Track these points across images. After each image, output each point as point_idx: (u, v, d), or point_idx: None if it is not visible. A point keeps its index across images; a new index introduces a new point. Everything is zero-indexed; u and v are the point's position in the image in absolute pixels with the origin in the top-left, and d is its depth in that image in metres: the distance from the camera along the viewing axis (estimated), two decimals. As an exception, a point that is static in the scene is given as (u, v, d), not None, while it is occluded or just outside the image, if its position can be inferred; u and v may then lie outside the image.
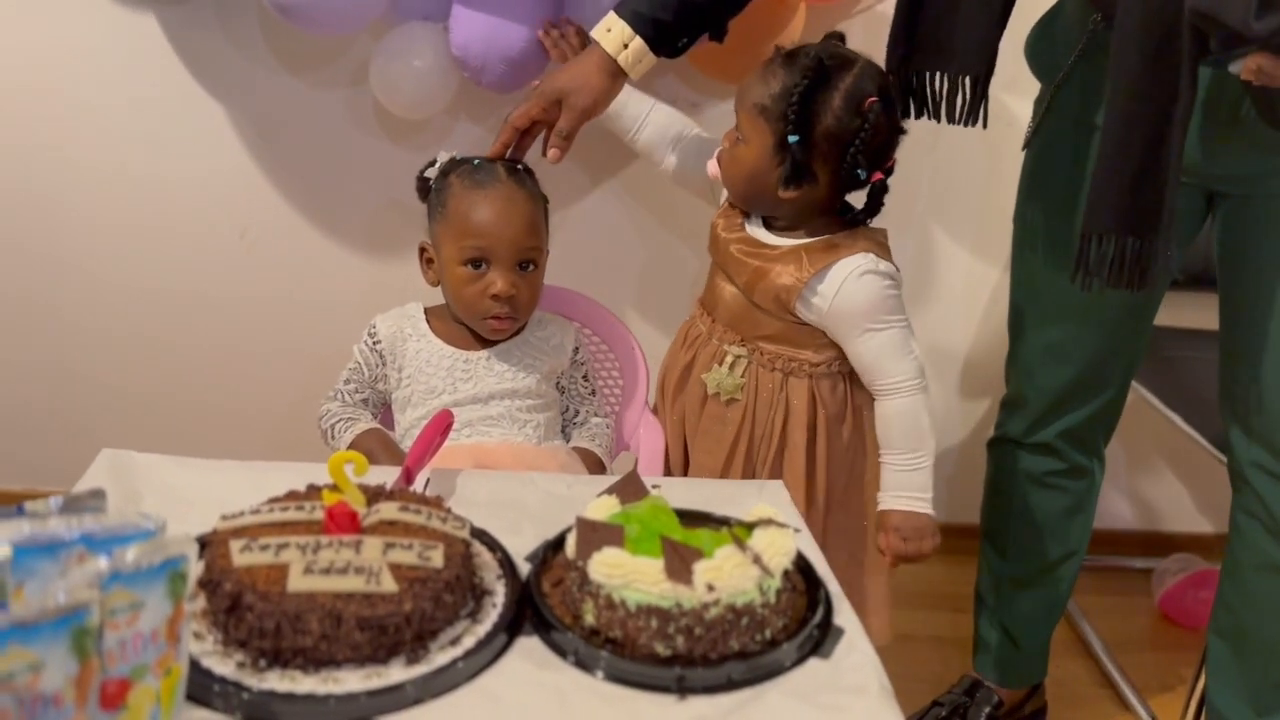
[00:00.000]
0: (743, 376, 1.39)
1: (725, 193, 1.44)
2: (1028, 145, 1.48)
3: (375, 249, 2.00)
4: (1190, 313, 1.79)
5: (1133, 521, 2.35)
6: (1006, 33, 1.39)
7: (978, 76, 1.36)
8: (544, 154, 1.38)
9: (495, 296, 1.36)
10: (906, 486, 1.35)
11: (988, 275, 2.10)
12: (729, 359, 1.40)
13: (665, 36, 1.33)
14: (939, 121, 1.39)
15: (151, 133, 1.91)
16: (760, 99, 1.28)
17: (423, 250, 1.44)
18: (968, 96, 1.38)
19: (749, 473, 1.43)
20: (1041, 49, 1.45)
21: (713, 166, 1.39)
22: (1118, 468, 2.27)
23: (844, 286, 1.31)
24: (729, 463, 1.43)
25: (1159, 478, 2.34)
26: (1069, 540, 1.66)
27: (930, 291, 2.11)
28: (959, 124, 1.39)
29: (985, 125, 1.39)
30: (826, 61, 1.26)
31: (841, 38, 1.33)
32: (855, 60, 1.29)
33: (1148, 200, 1.21)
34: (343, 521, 0.90)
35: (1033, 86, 1.49)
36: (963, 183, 2.03)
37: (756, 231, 1.39)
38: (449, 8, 1.52)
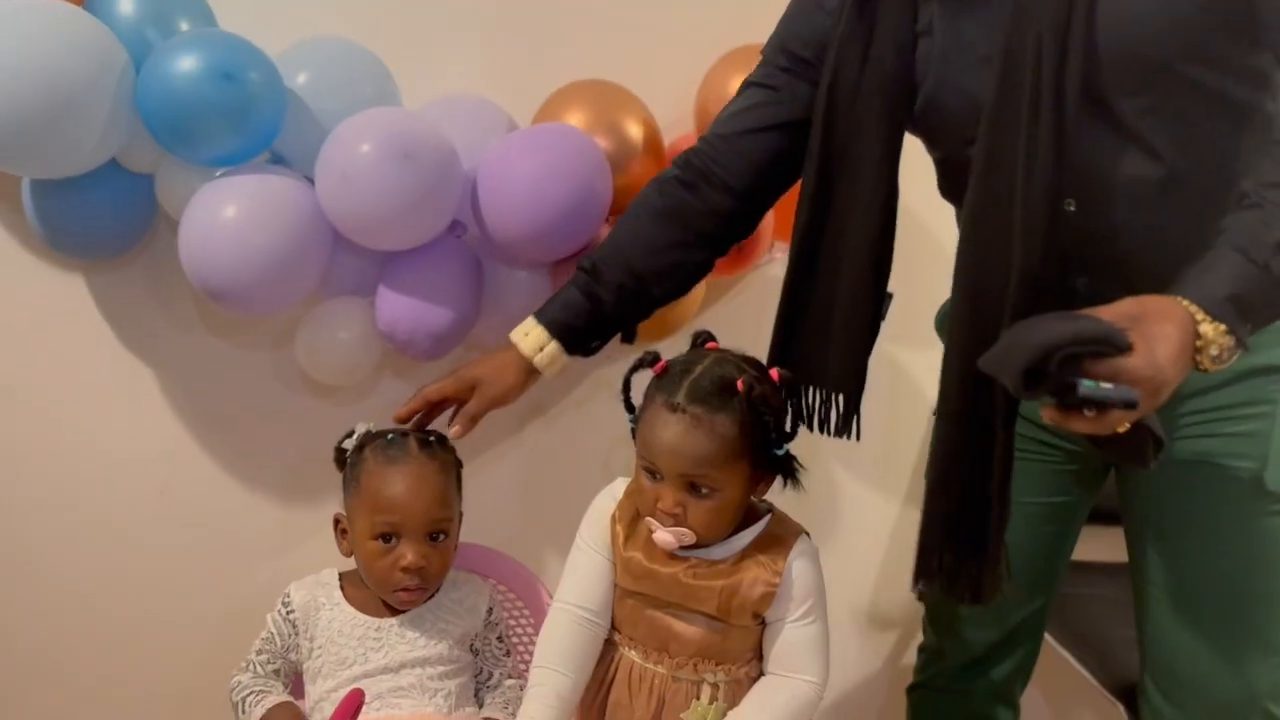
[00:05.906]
0: (724, 702, 1.33)
1: (622, 533, 1.36)
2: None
3: (294, 503, 2.02)
4: (1081, 545, 1.86)
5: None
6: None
7: (849, 393, 1.42)
8: (449, 425, 1.46)
9: (405, 569, 1.40)
10: None
11: (889, 512, 2.20)
12: (706, 690, 1.34)
13: (579, 341, 1.45)
14: (812, 432, 1.46)
15: (69, 394, 1.93)
16: (719, 449, 1.25)
17: (337, 521, 1.48)
18: (840, 411, 1.43)
19: None
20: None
21: (669, 539, 1.28)
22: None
23: (804, 572, 1.32)
24: None
25: (1068, 707, 2.38)
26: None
27: (834, 528, 2.19)
28: (833, 436, 1.44)
29: (858, 438, 1.44)
30: (750, 377, 1.28)
31: (710, 336, 1.37)
32: (737, 356, 1.33)
33: (974, 526, 1.27)
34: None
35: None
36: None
37: (695, 550, 1.32)
38: (375, 284, 1.61)
